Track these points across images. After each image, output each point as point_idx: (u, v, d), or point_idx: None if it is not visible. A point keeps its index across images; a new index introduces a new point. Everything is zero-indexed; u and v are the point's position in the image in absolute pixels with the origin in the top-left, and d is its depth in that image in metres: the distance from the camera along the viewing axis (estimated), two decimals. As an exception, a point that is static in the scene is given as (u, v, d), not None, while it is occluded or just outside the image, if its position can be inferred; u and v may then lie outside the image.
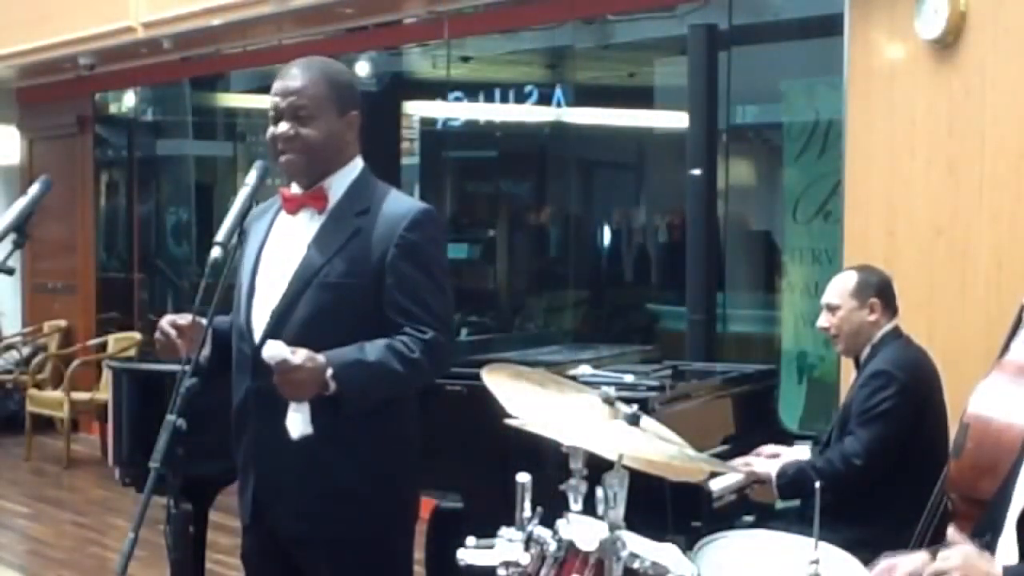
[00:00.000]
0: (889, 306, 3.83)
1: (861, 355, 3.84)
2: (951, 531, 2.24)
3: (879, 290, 3.82)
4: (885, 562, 2.39)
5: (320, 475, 2.73)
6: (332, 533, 2.75)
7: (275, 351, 2.54)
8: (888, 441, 3.64)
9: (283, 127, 2.74)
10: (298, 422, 2.65)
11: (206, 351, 2.68)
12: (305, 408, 2.64)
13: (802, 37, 6.50)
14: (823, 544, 2.24)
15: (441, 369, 2.81)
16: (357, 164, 2.86)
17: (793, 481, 3.71)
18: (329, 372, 2.57)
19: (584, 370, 3.89)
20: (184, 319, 2.68)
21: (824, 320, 3.88)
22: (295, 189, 2.84)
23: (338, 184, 2.81)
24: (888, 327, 3.81)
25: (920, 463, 3.62)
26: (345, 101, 2.80)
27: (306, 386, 2.57)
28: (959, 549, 2.18)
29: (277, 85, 2.78)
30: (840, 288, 3.85)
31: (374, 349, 2.66)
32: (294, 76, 2.77)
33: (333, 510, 2.74)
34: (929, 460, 3.62)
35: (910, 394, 3.67)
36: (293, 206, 2.82)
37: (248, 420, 2.80)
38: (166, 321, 2.70)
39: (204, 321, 2.63)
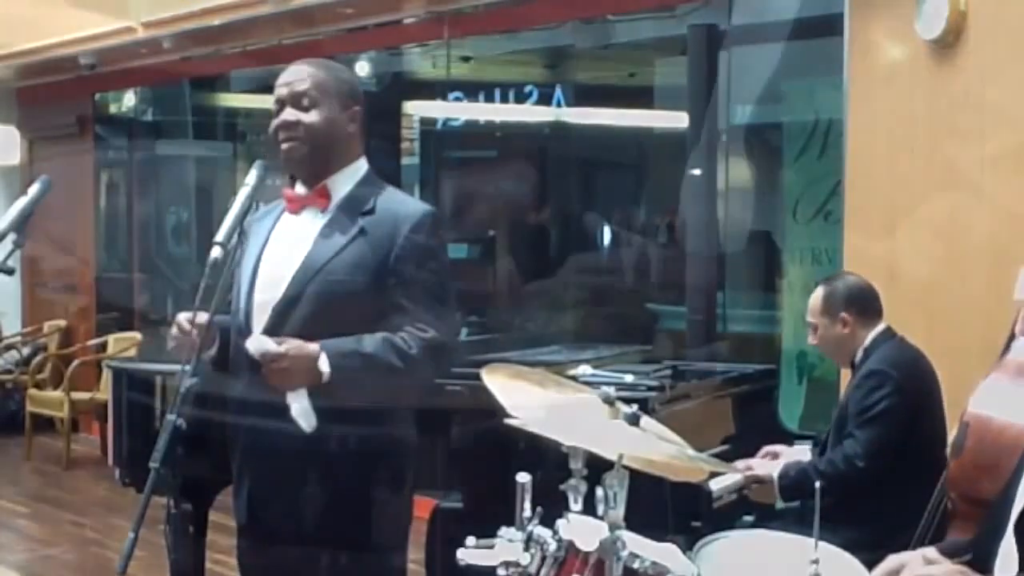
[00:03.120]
0: (865, 313, 3.77)
1: (855, 359, 3.83)
2: (935, 553, 2.20)
3: (848, 301, 3.76)
4: (893, 560, 2.34)
5: (315, 475, 2.72)
6: (327, 533, 2.75)
7: (258, 344, 2.54)
8: (888, 440, 3.62)
9: (286, 114, 2.78)
10: (301, 413, 2.65)
11: (212, 351, 2.68)
12: (303, 398, 2.64)
13: (802, 37, 6.50)
14: (823, 544, 2.24)
15: (441, 369, 2.81)
16: (362, 165, 2.87)
17: (795, 482, 3.70)
18: (323, 358, 2.58)
19: (584, 370, 3.88)
20: (201, 316, 2.66)
21: (810, 338, 3.88)
22: (299, 189, 2.85)
23: (342, 183, 2.83)
24: (876, 331, 3.77)
25: (919, 462, 3.61)
26: (346, 94, 2.84)
27: (293, 373, 2.59)
28: (943, 566, 2.16)
29: (280, 79, 2.84)
30: (812, 307, 3.84)
31: (371, 341, 2.67)
32: (297, 69, 2.84)
33: (329, 510, 2.74)
34: (928, 459, 3.61)
35: (906, 392, 3.65)
36: (296, 206, 2.84)
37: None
38: (183, 318, 2.69)
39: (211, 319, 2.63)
